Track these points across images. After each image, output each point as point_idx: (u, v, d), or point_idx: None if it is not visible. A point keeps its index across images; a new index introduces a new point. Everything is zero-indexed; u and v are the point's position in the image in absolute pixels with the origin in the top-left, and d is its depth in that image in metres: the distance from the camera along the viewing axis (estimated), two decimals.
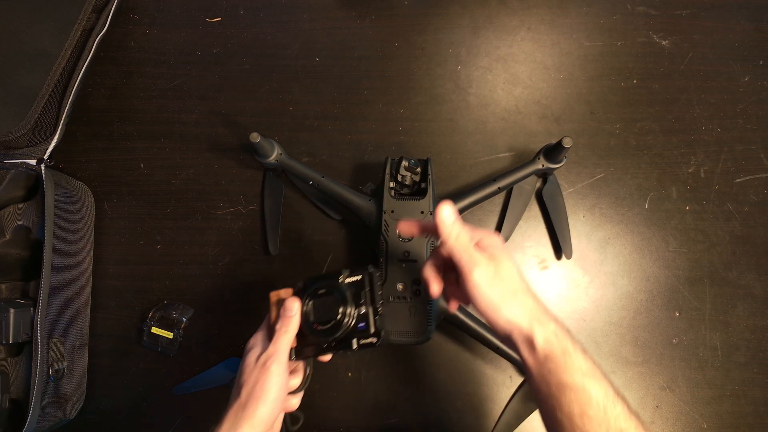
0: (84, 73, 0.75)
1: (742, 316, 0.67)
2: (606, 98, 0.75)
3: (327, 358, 0.49)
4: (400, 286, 0.61)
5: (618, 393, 0.40)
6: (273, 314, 0.50)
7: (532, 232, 0.71)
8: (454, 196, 0.66)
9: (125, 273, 0.72)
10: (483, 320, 0.60)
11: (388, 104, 0.75)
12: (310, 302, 0.48)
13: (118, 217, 0.73)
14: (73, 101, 0.74)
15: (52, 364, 0.61)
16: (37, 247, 0.66)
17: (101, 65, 0.78)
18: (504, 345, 0.61)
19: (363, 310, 0.47)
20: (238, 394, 0.44)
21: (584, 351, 0.41)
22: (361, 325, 0.47)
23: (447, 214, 0.44)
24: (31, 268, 0.67)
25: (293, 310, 0.47)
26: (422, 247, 0.61)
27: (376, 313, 0.47)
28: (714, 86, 0.75)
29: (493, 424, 0.64)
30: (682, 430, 0.65)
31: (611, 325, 0.68)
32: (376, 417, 0.66)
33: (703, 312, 0.67)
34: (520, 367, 0.64)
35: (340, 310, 0.46)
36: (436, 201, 0.65)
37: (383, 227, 0.62)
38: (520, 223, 0.70)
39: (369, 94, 0.76)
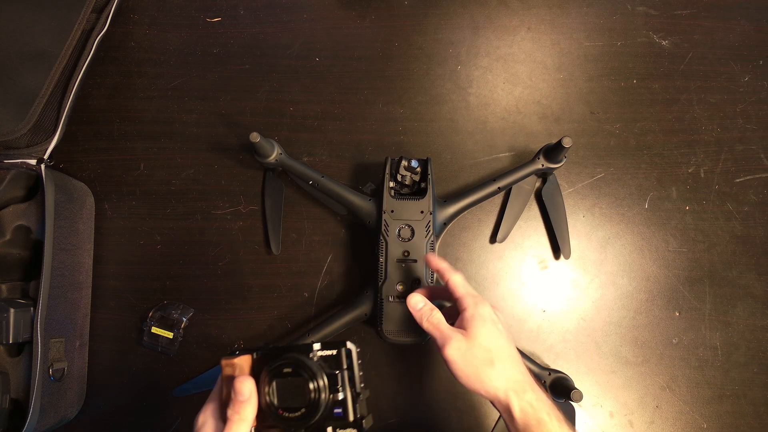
0: (84, 73, 0.75)
1: (742, 316, 0.67)
2: (606, 98, 0.75)
3: None
4: (399, 287, 0.61)
5: None
6: (225, 389, 0.41)
7: (532, 232, 0.71)
8: (454, 196, 0.66)
9: (125, 273, 0.72)
10: None
11: (388, 104, 0.75)
12: (273, 382, 0.39)
13: (118, 217, 0.73)
14: (73, 101, 0.73)
15: (52, 364, 0.61)
16: (37, 247, 0.66)
17: (101, 65, 0.78)
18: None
19: (340, 396, 0.39)
20: None
21: (560, 419, 0.43)
22: (337, 411, 0.39)
23: (415, 302, 0.50)
24: (31, 268, 0.67)
25: (245, 393, 0.38)
26: (422, 247, 0.61)
27: (356, 398, 0.40)
28: (714, 86, 0.75)
29: (493, 424, 0.64)
30: (682, 430, 0.65)
31: (611, 325, 0.68)
32: (376, 417, 0.66)
33: (703, 312, 0.68)
34: None
35: (312, 394, 0.38)
36: (436, 201, 0.65)
37: (383, 227, 0.62)
38: (520, 222, 0.70)
39: (369, 94, 0.76)
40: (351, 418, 0.39)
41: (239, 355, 0.41)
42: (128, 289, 0.71)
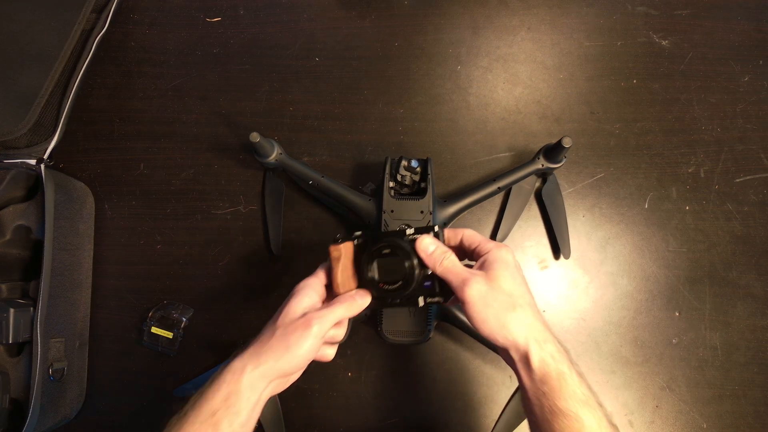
0: (84, 73, 0.75)
1: (742, 316, 0.67)
2: (606, 98, 0.75)
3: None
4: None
5: (611, 422, 0.39)
6: (336, 270, 0.48)
7: (532, 232, 0.71)
8: (454, 196, 0.66)
9: (125, 273, 0.72)
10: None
11: (388, 104, 0.75)
12: (375, 261, 0.47)
13: (118, 217, 0.73)
14: (73, 101, 0.74)
15: (52, 364, 0.61)
16: (37, 247, 0.66)
17: (101, 65, 0.78)
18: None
19: (429, 271, 0.46)
20: (273, 332, 0.43)
21: (580, 375, 0.41)
22: (427, 283, 0.46)
23: (426, 245, 0.45)
24: (31, 268, 0.67)
25: (364, 303, 0.46)
26: None
27: None
28: (714, 86, 0.75)
29: (493, 424, 0.64)
30: (682, 430, 0.65)
31: (611, 325, 0.68)
32: (376, 417, 0.66)
33: (703, 312, 0.68)
34: None
35: (407, 270, 0.46)
36: (436, 201, 0.65)
37: (383, 227, 0.62)
38: (520, 222, 0.70)
39: (369, 94, 0.76)
40: (438, 288, 0.46)
41: (342, 242, 0.49)
42: (128, 289, 0.71)
